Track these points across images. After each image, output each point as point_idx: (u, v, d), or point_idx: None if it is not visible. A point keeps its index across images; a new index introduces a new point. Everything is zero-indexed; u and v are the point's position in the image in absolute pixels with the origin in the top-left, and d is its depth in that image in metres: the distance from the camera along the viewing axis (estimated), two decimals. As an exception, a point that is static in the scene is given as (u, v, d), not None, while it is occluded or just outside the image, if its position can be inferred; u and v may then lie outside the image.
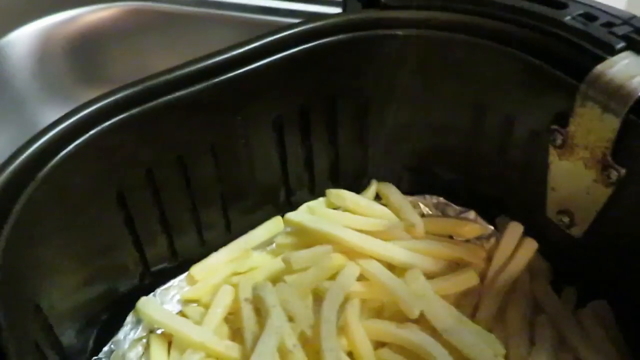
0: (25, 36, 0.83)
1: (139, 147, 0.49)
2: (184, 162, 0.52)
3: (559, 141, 0.50)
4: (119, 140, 0.47)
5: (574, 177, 0.50)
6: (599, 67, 0.46)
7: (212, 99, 0.50)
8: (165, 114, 0.49)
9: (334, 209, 0.61)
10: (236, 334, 0.52)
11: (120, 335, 0.52)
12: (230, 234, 0.59)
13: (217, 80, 0.50)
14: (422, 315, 0.52)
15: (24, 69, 0.83)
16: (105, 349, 0.51)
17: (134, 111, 0.47)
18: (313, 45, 0.53)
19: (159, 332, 0.53)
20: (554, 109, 0.50)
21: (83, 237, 0.48)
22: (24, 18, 0.83)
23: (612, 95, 0.45)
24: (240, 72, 0.51)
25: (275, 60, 0.52)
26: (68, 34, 0.85)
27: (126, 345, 0.51)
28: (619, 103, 0.45)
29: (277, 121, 0.56)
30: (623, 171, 0.46)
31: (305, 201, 0.62)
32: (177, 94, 0.49)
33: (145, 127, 0.48)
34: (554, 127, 0.50)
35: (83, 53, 0.86)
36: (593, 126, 0.47)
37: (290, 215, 0.58)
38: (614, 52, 0.46)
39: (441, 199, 0.63)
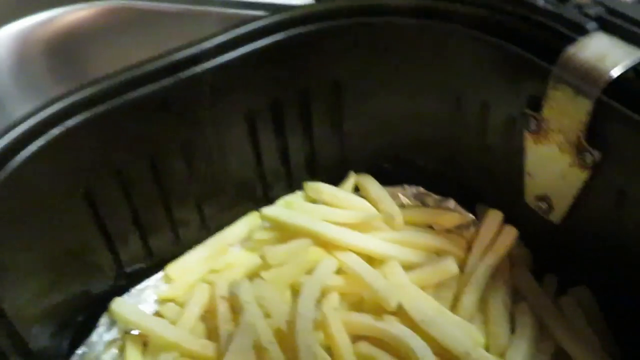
0: (4, 38, 0.82)
1: (106, 146, 0.48)
2: (155, 160, 0.51)
3: (533, 126, 0.49)
4: (84, 139, 0.46)
5: (549, 162, 0.49)
6: (571, 49, 0.45)
7: (180, 95, 0.49)
8: (132, 112, 0.48)
9: (313, 202, 0.60)
10: (212, 332, 0.51)
11: (94, 337, 0.51)
12: (206, 232, 0.58)
13: (184, 75, 0.49)
14: (401, 307, 0.51)
15: (4, 70, 0.82)
16: (79, 352, 0.50)
17: (98, 109, 0.46)
18: (283, 37, 0.52)
19: (134, 333, 0.52)
20: (527, 94, 0.49)
21: (51, 238, 0.47)
22: (2, 19, 0.82)
23: (584, 77, 0.44)
24: (208, 67, 0.50)
25: (244, 53, 0.51)
26: (47, 35, 0.84)
27: (100, 347, 0.51)
28: (591, 85, 0.44)
29: (249, 116, 0.55)
30: (598, 154, 0.46)
31: (283, 195, 0.61)
32: (143, 90, 0.48)
33: (111, 126, 0.47)
34: (528, 111, 0.49)
35: (63, 53, 0.85)
36: (566, 109, 0.46)
37: (266, 210, 0.57)
38: (585, 33, 0.46)
39: (421, 188, 0.62)
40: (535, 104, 0.48)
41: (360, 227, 0.57)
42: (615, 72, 0.43)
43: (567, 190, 0.50)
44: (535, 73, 0.47)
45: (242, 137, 0.56)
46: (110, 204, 0.51)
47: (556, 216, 0.52)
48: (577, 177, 0.48)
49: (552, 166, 0.49)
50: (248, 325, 0.47)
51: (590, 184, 0.48)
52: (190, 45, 0.49)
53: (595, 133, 0.45)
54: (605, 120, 0.44)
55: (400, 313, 0.51)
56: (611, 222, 0.48)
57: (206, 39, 0.50)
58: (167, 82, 0.48)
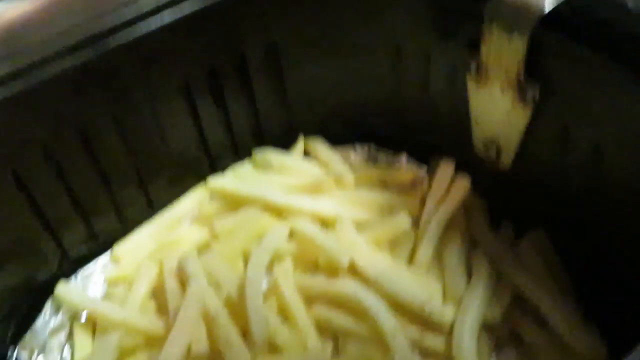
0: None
1: (31, 124, 0.46)
2: (86, 137, 0.49)
3: (473, 70, 0.48)
4: (6, 116, 0.44)
5: (493, 105, 0.48)
6: (501, -13, 0.44)
7: (105, 65, 0.47)
8: (54, 86, 0.45)
9: (262, 170, 0.59)
10: (163, 309, 0.50)
11: (39, 324, 0.49)
12: (153, 210, 0.56)
13: (108, 44, 0.47)
14: (356, 267, 0.50)
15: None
16: (25, 339, 0.48)
17: (17, 86, 0.44)
18: (212, -1, 0.50)
19: (82, 317, 0.50)
20: (466, 38, 0.48)
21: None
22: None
23: (516, 14, 0.43)
24: (135, 34, 0.48)
25: (173, 18, 0.49)
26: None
27: (45, 334, 0.49)
28: (523, 22, 0.43)
29: (185, 86, 0.53)
30: (538, 89, 0.45)
31: (232, 166, 0.59)
32: (66, 62, 0.46)
33: (34, 102, 0.45)
34: (468, 55, 0.48)
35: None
36: (503, 48, 0.45)
37: (212, 181, 0.56)
38: (516, -31, 0.44)
39: (372, 146, 0.61)
40: (474, 48, 0.47)
41: (310, 191, 0.55)
42: (547, 7, 0.42)
43: (512, 132, 0.49)
44: (470, 15, 0.46)
45: (180, 109, 0.54)
46: (44, 187, 0.49)
47: (505, 161, 0.51)
48: (521, 116, 0.47)
49: (496, 109, 0.48)
50: (194, 295, 0.46)
51: (535, 124, 0.47)
52: (114, 11, 0.47)
53: (534, 70, 0.44)
54: (542, 56, 0.43)
55: (355, 273, 0.50)
56: (558, 162, 0.47)
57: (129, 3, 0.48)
58: (90, 52, 0.46)
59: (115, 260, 0.54)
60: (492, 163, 0.51)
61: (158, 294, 0.51)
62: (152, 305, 0.50)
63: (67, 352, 0.49)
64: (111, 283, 0.53)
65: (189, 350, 0.45)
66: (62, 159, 0.49)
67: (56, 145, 0.48)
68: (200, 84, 0.54)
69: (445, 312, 0.47)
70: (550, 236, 0.52)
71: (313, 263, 0.53)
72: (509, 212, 0.55)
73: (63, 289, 0.49)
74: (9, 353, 0.48)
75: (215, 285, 0.48)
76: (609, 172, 0.44)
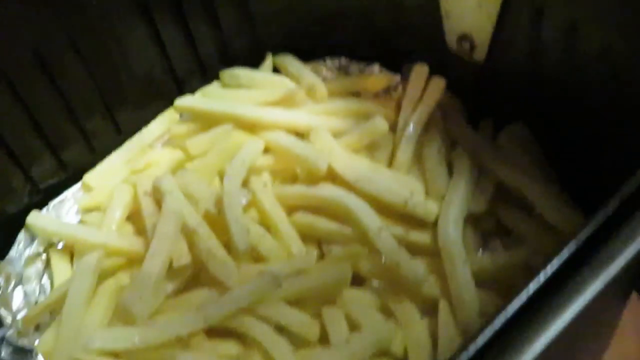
0: None
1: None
2: (43, 60, 0.47)
3: (440, -42, 0.46)
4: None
5: (463, -6, 0.47)
6: None
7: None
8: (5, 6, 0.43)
9: (232, 88, 0.57)
10: (140, 232, 0.48)
11: (13, 253, 0.48)
12: (122, 137, 0.54)
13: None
14: (334, 173, 0.49)
15: None
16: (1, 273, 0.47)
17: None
18: None
19: (59, 246, 0.49)
20: None
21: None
22: None
23: None
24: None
25: None
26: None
27: (21, 264, 0.47)
28: None
29: (143, 5, 0.51)
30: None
31: (200, 89, 0.57)
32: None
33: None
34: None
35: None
36: None
37: (180, 101, 0.54)
38: None
39: (343, 59, 0.59)
40: None
41: (282, 104, 0.54)
42: None
43: (485, 22, 0.47)
44: None
45: (139, 30, 0.52)
46: (7, 118, 0.47)
47: (480, 54, 0.50)
48: (492, 3, 0.45)
49: (466, -2, 0.47)
50: (171, 209, 0.45)
51: (507, 9, 0.46)
52: None
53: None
54: None
55: (334, 179, 0.49)
56: (532, 47, 0.46)
57: None
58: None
59: (86, 189, 0.52)
60: (467, 56, 0.50)
61: (134, 218, 0.49)
62: (129, 228, 0.49)
63: (45, 280, 0.48)
64: (84, 211, 0.51)
65: (170, 265, 0.44)
66: (22, 88, 0.47)
67: (13, 71, 0.46)
68: (160, 3, 0.52)
69: (428, 205, 0.46)
70: (529, 128, 0.51)
71: (291, 175, 0.51)
72: (486, 111, 0.54)
73: (35, 218, 0.48)
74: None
75: (192, 201, 0.47)
76: (584, 51, 0.43)
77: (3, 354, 0.43)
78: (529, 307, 0.27)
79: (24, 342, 0.43)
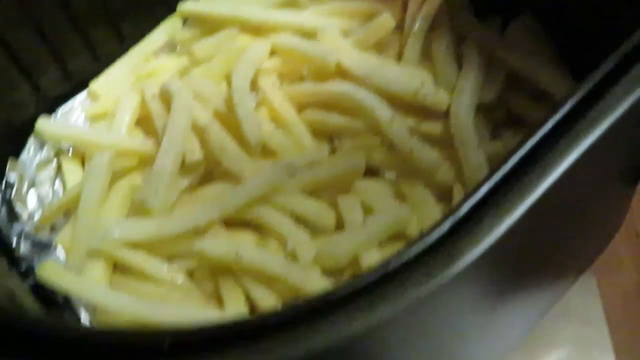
0: None
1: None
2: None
3: None
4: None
5: None
6: None
7: None
8: None
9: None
10: (150, 134, 0.48)
11: (24, 158, 0.47)
12: (126, 45, 0.54)
13: None
14: (343, 70, 0.48)
15: None
16: (11, 178, 0.47)
17: None
18: None
19: (69, 153, 0.49)
20: None
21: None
22: None
23: None
24: None
25: None
26: None
27: (32, 169, 0.47)
28: None
29: None
30: None
31: (204, -4, 0.56)
32: None
33: None
34: None
35: None
36: None
37: (184, 5, 0.53)
38: None
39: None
40: None
41: (288, 6, 0.53)
42: None
43: None
44: None
45: None
46: (11, 29, 0.46)
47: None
48: None
49: None
50: (181, 108, 0.44)
51: None
52: None
53: None
54: None
55: (343, 76, 0.48)
56: None
57: None
58: None
59: (93, 97, 0.52)
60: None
61: (142, 123, 0.49)
62: (138, 133, 0.49)
63: (58, 185, 0.47)
64: (92, 119, 0.51)
65: (183, 161, 0.44)
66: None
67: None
68: None
69: (440, 94, 0.45)
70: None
71: (298, 77, 0.51)
72: (494, 7, 0.53)
73: (44, 123, 0.47)
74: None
75: (202, 100, 0.47)
76: None
77: (22, 249, 0.43)
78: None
79: (42, 237, 0.44)
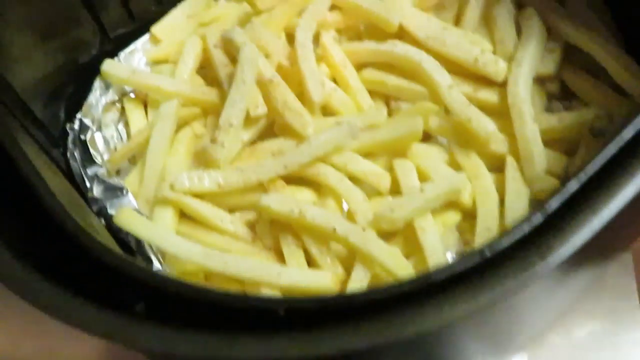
0: None
1: None
2: None
3: None
4: None
5: None
6: None
7: None
8: None
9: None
10: (212, 82, 0.49)
11: (91, 99, 0.49)
12: (188, -10, 0.54)
13: None
14: (403, 31, 0.49)
15: None
16: (78, 115, 0.48)
17: None
18: None
19: (132, 95, 0.50)
20: None
21: (39, 10, 0.45)
22: None
23: None
24: None
25: None
26: None
27: (99, 109, 0.49)
28: None
29: None
30: None
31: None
32: None
33: None
34: None
35: None
36: None
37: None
38: None
39: None
40: None
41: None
42: None
43: None
44: None
45: None
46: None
47: None
48: None
49: None
50: (248, 60, 0.45)
51: None
52: None
53: None
54: None
55: (403, 38, 0.49)
56: None
57: None
58: None
59: (154, 41, 0.53)
60: None
61: (203, 70, 0.50)
62: (200, 81, 0.50)
63: (121, 127, 0.49)
64: (153, 63, 0.52)
65: (247, 114, 0.45)
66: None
67: None
68: None
69: (499, 63, 0.46)
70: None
71: (357, 34, 0.51)
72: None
73: (110, 65, 0.49)
74: (66, 127, 0.48)
75: (265, 53, 0.47)
76: None
77: (95, 191, 0.45)
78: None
79: (113, 181, 0.46)
